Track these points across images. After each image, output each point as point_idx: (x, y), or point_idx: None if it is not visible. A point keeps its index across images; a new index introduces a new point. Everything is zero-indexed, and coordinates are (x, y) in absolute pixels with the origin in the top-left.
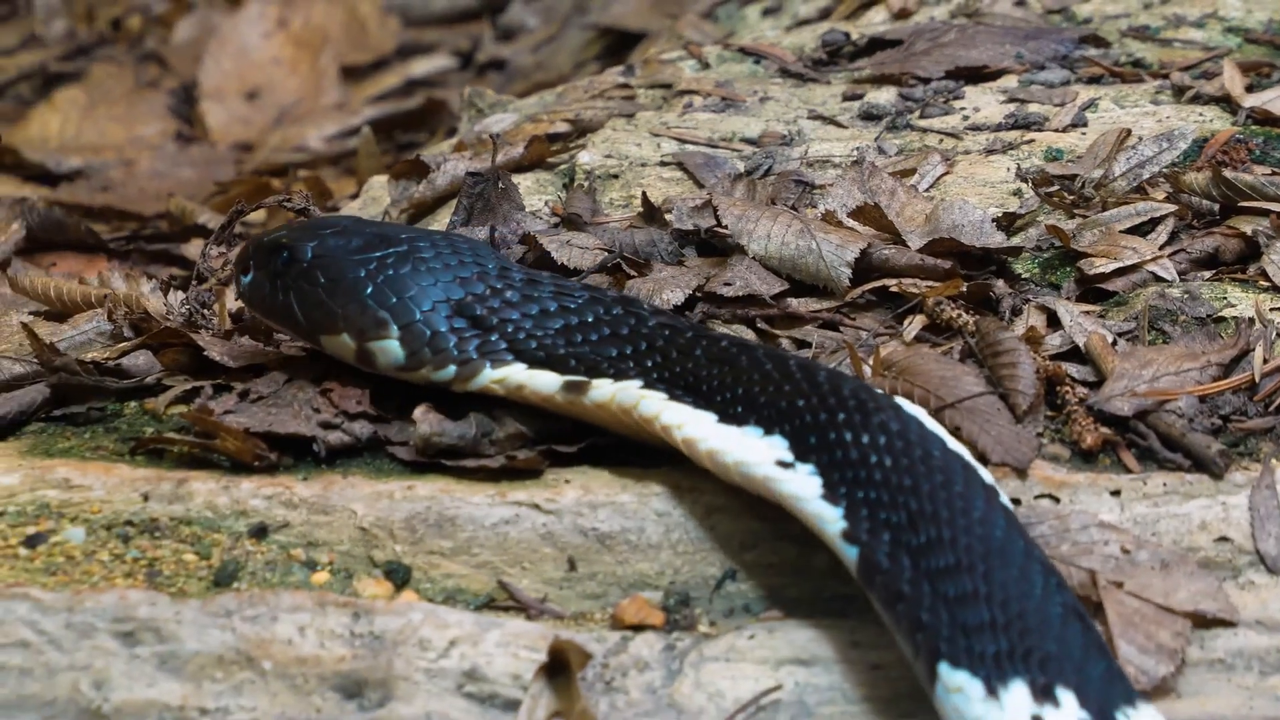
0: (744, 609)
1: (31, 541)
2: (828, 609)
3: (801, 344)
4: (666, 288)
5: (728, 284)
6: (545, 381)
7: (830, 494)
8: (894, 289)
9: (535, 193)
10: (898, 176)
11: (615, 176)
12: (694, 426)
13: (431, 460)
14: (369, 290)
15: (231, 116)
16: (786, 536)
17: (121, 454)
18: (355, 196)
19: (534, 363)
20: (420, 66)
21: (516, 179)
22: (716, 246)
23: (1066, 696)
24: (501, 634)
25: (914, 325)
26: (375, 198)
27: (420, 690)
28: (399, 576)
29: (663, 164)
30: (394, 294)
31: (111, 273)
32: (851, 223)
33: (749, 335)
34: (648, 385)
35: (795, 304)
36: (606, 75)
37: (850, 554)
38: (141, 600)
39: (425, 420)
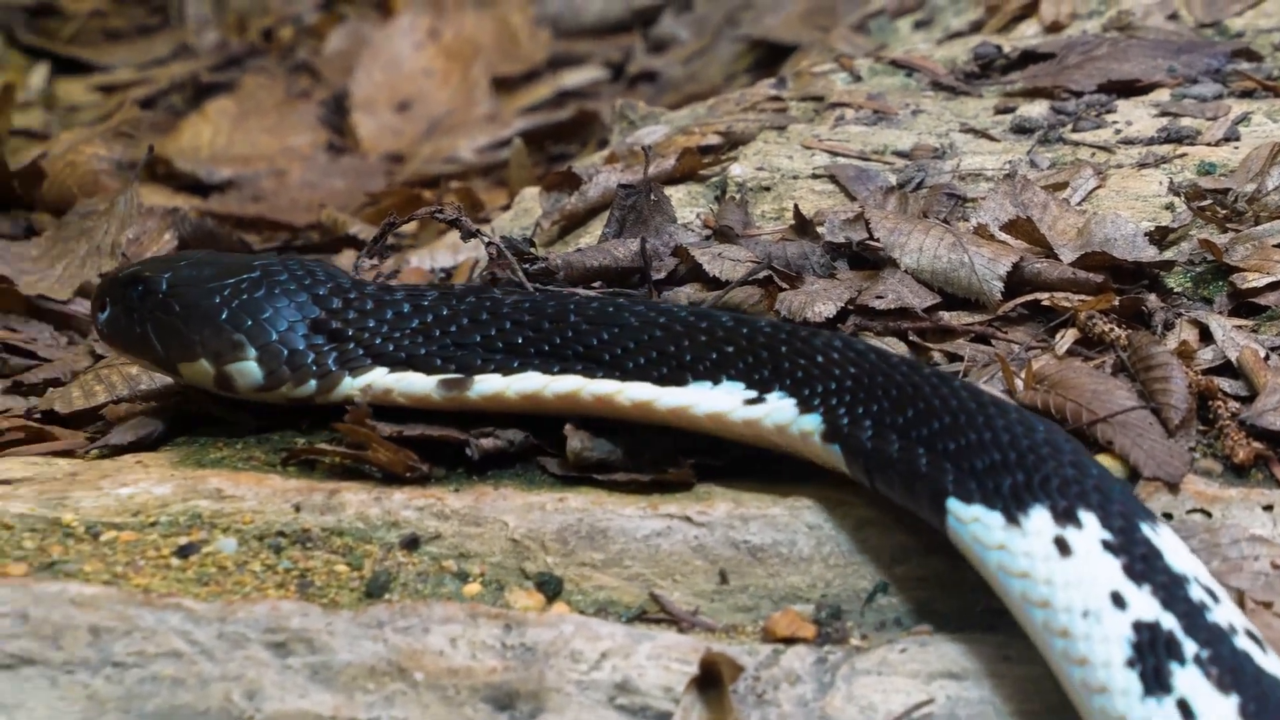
0: (895, 622)
1: (184, 552)
2: (978, 623)
3: (953, 357)
4: (818, 300)
5: (880, 297)
6: (415, 383)
7: (805, 407)
8: (1046, 303)
9: (687, 205)
10: (1050, 190)
11: (767, 189)
12: (637, 390)
13: (582, 474)
14: (224, 315)
15: (382, 127)
16: (937, 550)
17: (273, 465)
18: (507, 208)
19: (395, 365)
20: (571, 78)
21: (668, 191)
22: (868, 259)
23: (1088, 517)
24: (653, 646)
25: (1066, 339)
26: (527, 209)
27: (572, 702)
28: (551, 588)
29: (814, 176)
30: (249, 316)
31: None
32: (1004, 236)
33: (901, 349)
34: (549, 370)
35: (947, 317)
36: (758, 87)
37: (835, 450)
38: (293, 611)
39: (576, 435)
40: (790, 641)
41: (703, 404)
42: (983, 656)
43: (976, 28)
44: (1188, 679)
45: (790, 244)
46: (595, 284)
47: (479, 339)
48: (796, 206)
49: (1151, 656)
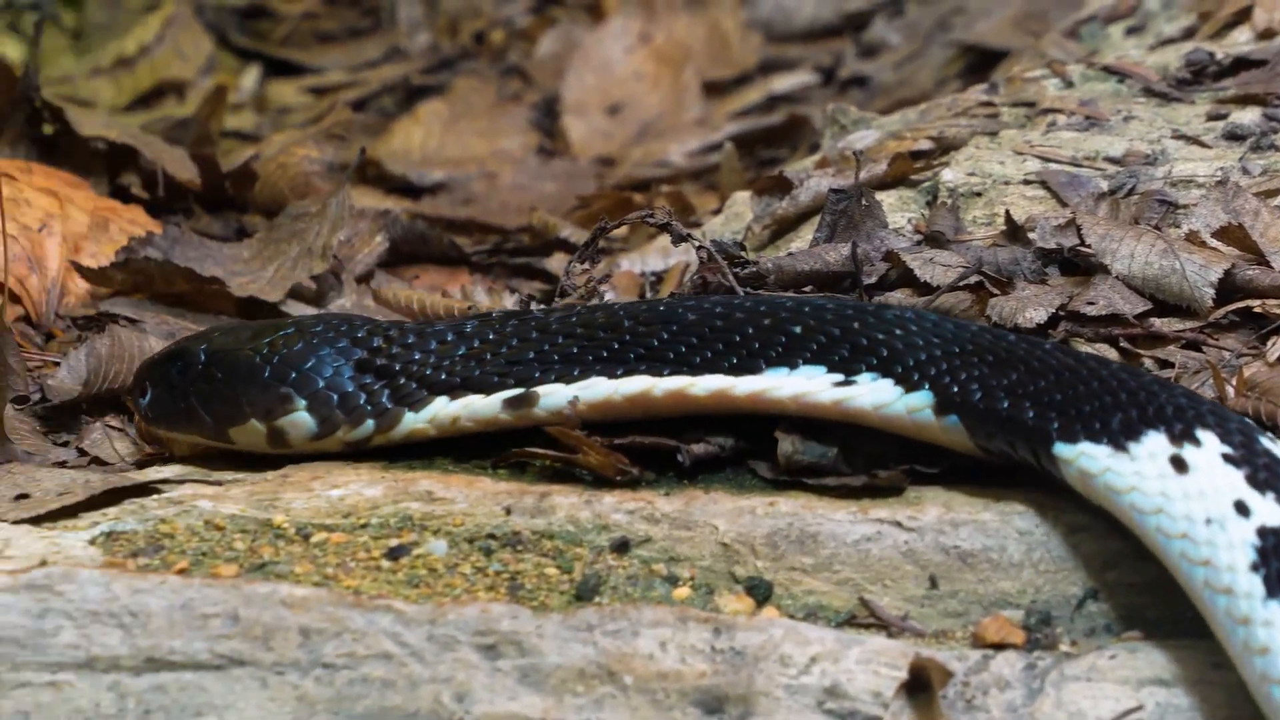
0: (1105, 628)
1: (394, 554)
2: (1189, 629)
3: (1164, 364)
4: (1029, 306)
5: (1091, 303)
6: (479, 405)
7: (908, 385)
8: (1258, 310)
9: (898, 210)
10: (1262, 197)
11: (978, 194)
12: (710, 381)
13: (793, 478)
14: (267, 372)
15: (593, 131)
16: (1149, 556)
17: (484, 467)
18: (717, 212)
19: (454, 391)
20: (782, 82)
21: (879, 196)
22: (1079, 265)
23: (1207, 435)
24: (862, 651)
25: (1278, 346)
26: (738, 213)
27: (781, 706)
28: (760, 592)
29: (1026, 182)
30: (292, 369)
31: (474, 286)
32: (1215, 243)
33: (1112, 355)
34: (614, 375)
35: (1158, 324)
36: (969, 93)
37: (953, 421)
38: (504, 614)
39: (787, 439)
40: (1000, 647)
41: (784, 388)
42: (1193, 664)
43: (1189, 34)
44: None
45: (1001, 249)
46: (806, 288)
47: (532, 355)
48: (1008, 212)
49: (1276, 561)
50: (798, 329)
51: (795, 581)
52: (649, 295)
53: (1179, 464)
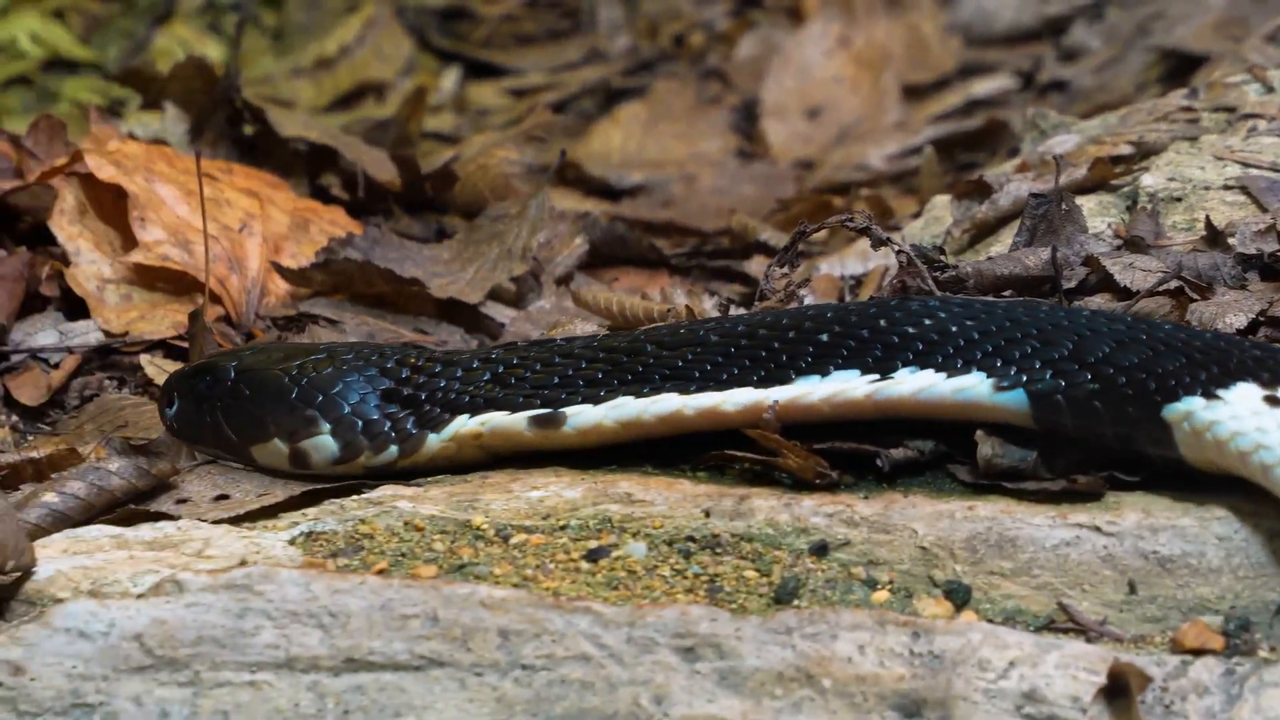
0: None
1: (593, 555)
2: None
3: None
4: (1229, 312)
5: None
6: (502, 421)
7: (950, 371)
8: None
9: (1097, 215)
10: None
11: (1178, 199)
12: (742, 395)
13: (992, 482)
14: (295, 393)
15: (792, 134)
16: None
17: (683, 470)
18: (917, 215)
19: (477, 410)
20: (981, 86)
21: (1079, 200)
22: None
23: None
24: (1061, 655)
25: None
26: (937, 217)
27: (979, 711)
28: (959, 596)
29: (1226, 188)
30: (319, 392)
31: (674, 288)
32: None
33: None
34: (641, 394)
35: None
36: (1169, 98)
37: (1017, 398)
38: (702, 616)
39: (987, 442)
40: (1198, 653)
41: (816, 393)
42: None
43: None
44: None
45: (1201, 255)
46: (1005, 292)
47: (557, 380)
48: (1208, 217)
49: None
50: (824, 336)
51: (994, 585)
52: (848, 299)
53: (1274, 401)
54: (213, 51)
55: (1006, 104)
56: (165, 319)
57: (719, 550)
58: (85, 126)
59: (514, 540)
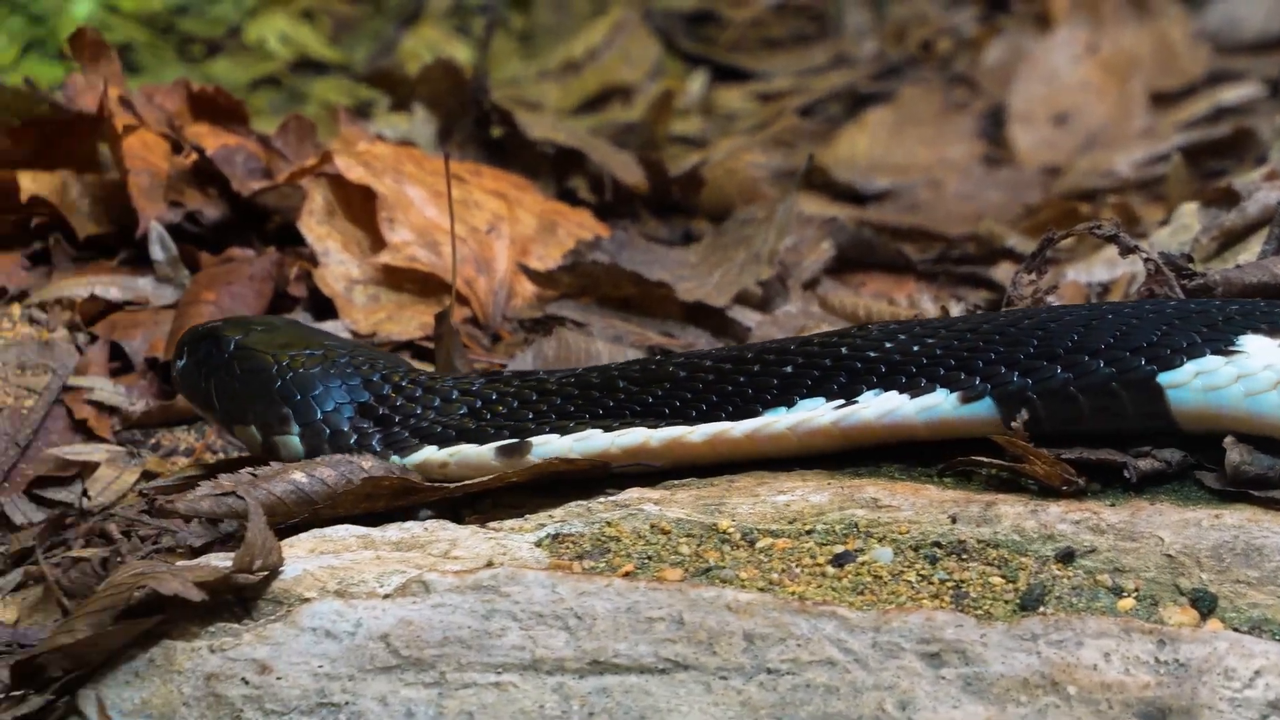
0: None
1: (839, 560)
2: None
3: None
4: None
5: None
6: (469, 453)
7: (913, 389)
8: None
9: None
10: None
11: None
12: (708, 428)
13: (1239, 490)
14: (277, 385)
15: (1039, 140)
16: None
17: (929, 475)
18: (1164, 223)
19: (445, 442)
20: (1229, 94)
21: None
22: None
23: None
24: None
25: None
26: (1185, 225)
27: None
28: (1204, 605)
29: None
30: (299, 391)
31: (920, 294)
32: None
33: None
34: (610, 428)
35: None
36: None
37: (984, 407)
38: (948, 622)
39: (1235, 449)
40: None
41: (781, 423)
42: None
43: None
44: None
45: None
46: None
47: (531, 416)
48: None
49: None
50: (788, 368)
51: (1240, 594)
52: None
53: None
54: (460, 54)
55: (1254, 111)
56: (412, 320)
57: (965, 556)
58: (334, 127)
59: (760, 544)
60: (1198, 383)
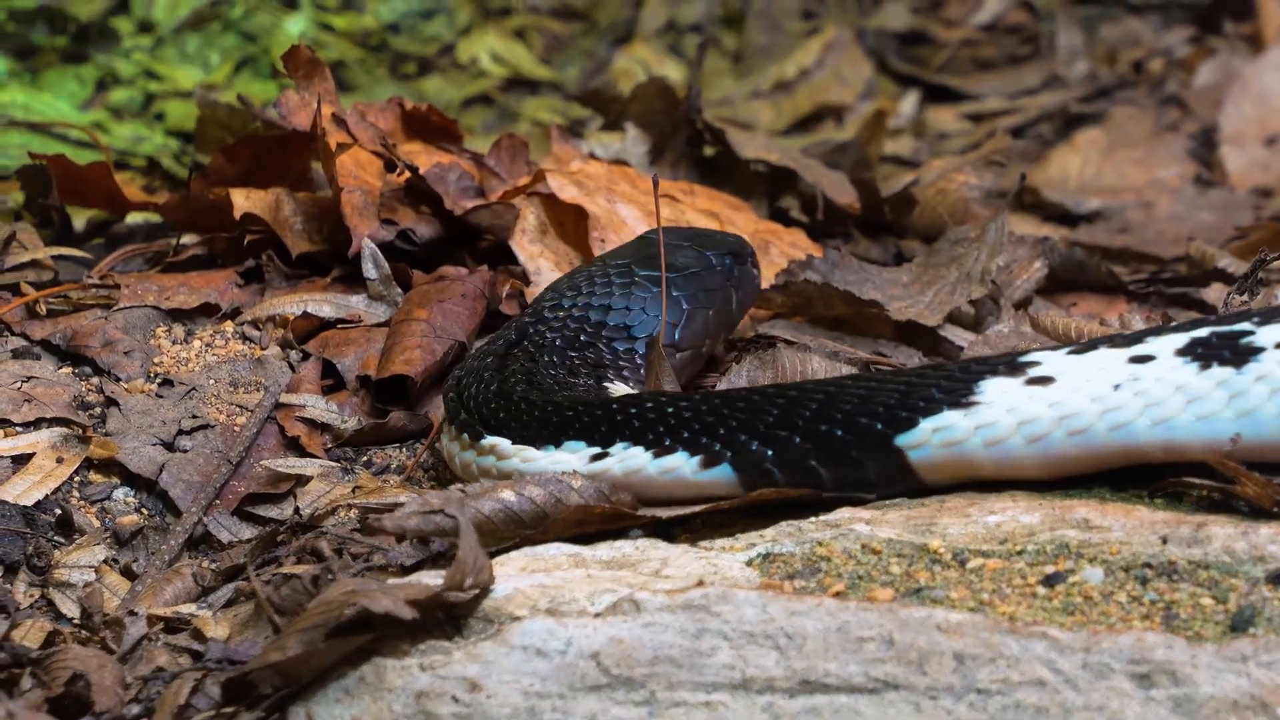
0: None
1: (1050, 581)
2: None
3: None
4: None
5: None
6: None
7: (659, 450)
8: None
9: None
10: None
11: None
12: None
13: None
14: None
15: (1251, 161)
16: None
17: (1140, 496)
18: None
19: None
20: None
21: None
22: None
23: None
24: None
25: None
26: None
27: None
28: None
29: None
30: None
31: (1131, 315)
32: None
33: None
34: None
35: None
36: None
37: (723, 472)
38: (1158, 643)
39: None
40: None
41: (544, 462)
42: None
43: None
44: None
45: None
46: None
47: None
48: None
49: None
50: (556, 416)
51: None
52: None
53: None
54: (673, 73)
55: None
56: None
57: (1175, 577)
58: (546, 146)
59: (970, 564)
60: (937, 439)
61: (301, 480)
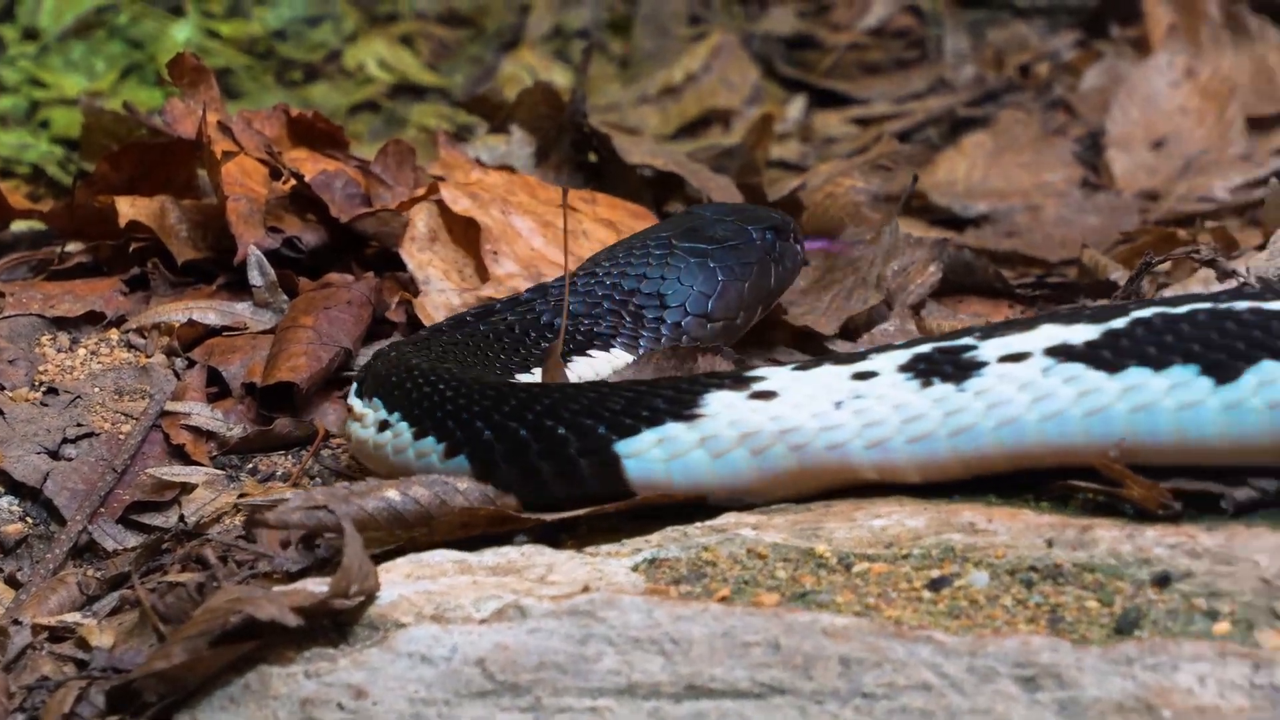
0: None
1: (936, 584)
2: None
3: None
4: None
5: None
6: None
7: (418, 431)
8: None
9: None
10: None
11: None
12: None
13: None
14: None
15: (1137, 165)
16: None
17: (1026, 500)
18: (1261, 248)
19: None
20: None
21: None
22: None
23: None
24: None
25: None
26: None
27: None
28: None
29: None
30: None
31: (1016, 318)
32: None
33: None
34: None
35: None
36: None
37: (461, 462)
38: (1044, 646)
39: None
40: None
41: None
42: None
43: None
44: None
45: None
46: None
47: None
48: None
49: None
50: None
51: None
52: None
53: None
54: (559, 78)
55: None
56: None
57: (1061, 580)
58: (433, 152)
59: (856, 568)
60: (658, 451)
61: (186, 488)
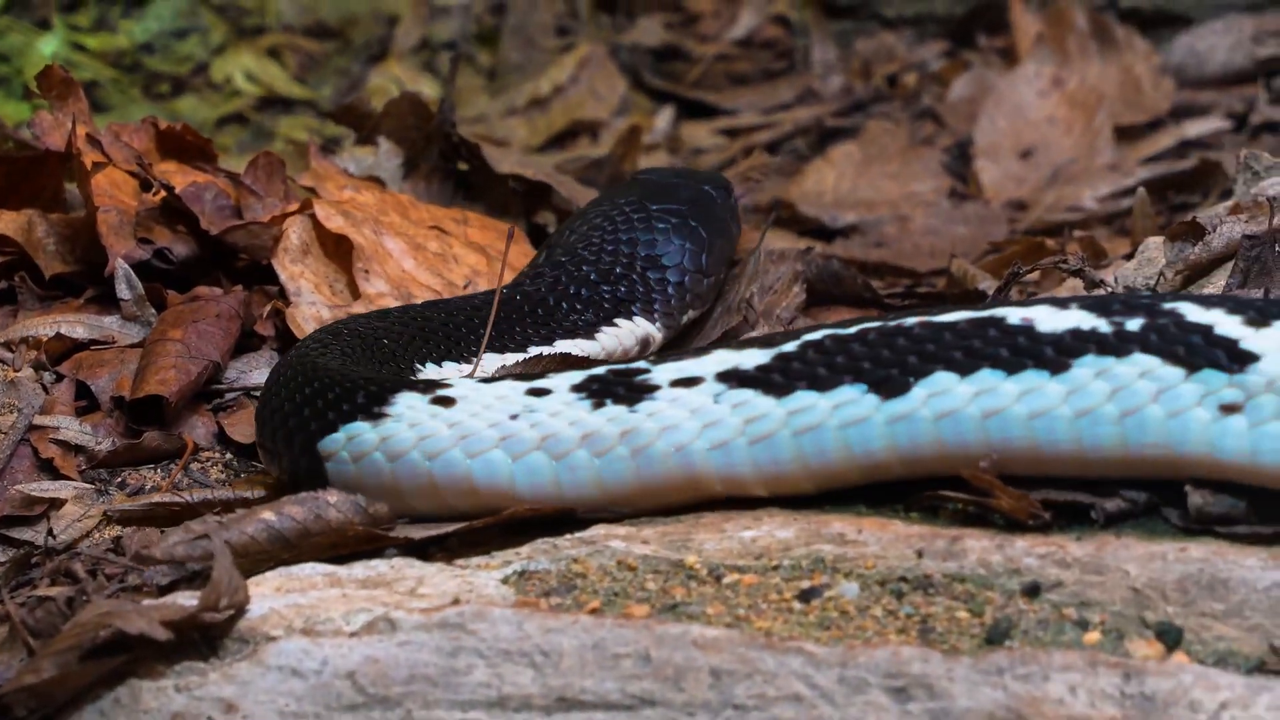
0: None
1: (806, 596)
2: None
3: None
4: None
5: None
6: None
7: None
8: None
9: None
10: None
11: None
12: None
13: (1204, 527)
14: None
15: (1005, 175)
16: None
17: (896, 510)
18: (1129, 257)
19: None
20: (1194, 128)
21: None
22: None
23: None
24: (1272, 697)
25: None
26: (1150, 258)
27: None
28: (1170, 638)
29: None
30: None
31: None
32: None
33: None
34: None
35: None
36: None
37: None
38: (914, 656)
39: (1196, 493)
40: None
41: None
42: None
43: None
44: None
45: None
46: None
47: None
48: None
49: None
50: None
51: (1205, 627)
52: None
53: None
54: (428, 90)
55: (1219, 146)
56: None
57: (931, 591)
58: (303, 164)
59: (727, 580)
60: (346, 451)
61: (56, 503)
